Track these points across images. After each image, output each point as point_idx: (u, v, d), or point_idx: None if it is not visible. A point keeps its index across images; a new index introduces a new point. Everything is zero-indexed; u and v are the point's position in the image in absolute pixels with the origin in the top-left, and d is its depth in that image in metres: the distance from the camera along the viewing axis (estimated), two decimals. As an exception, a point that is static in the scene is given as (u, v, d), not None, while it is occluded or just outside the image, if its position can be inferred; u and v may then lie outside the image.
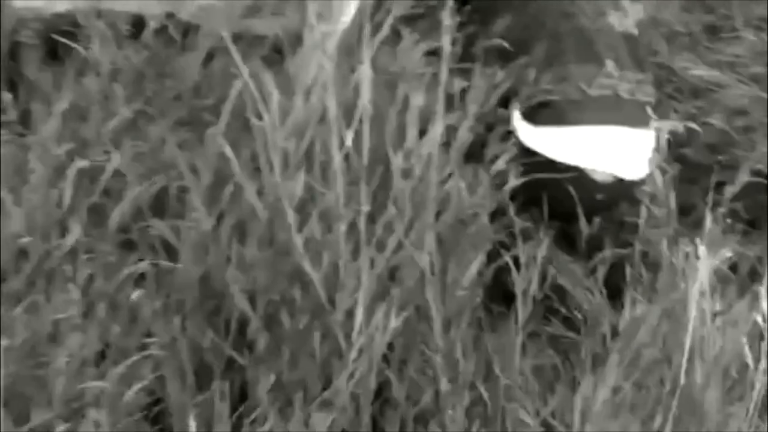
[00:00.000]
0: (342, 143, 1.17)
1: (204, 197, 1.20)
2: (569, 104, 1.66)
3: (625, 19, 1.73)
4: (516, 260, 1.55)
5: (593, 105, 1.67)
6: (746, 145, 2.30)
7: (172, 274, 1.19)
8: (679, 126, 1.74)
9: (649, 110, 1.77)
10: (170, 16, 2.17)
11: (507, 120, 1.67)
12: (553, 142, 1.67)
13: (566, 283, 1.75)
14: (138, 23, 2.10)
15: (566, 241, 1.82)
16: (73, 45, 2.08)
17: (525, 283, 1.32)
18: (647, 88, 1.76)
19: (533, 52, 1.66)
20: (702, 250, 1.32)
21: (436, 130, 1.39)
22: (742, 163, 2.26)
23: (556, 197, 1.68)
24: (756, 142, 2.28)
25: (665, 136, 1.65)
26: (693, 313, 1.32)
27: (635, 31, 1.76)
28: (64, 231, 1.18)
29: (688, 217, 2.09)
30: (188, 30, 2.16)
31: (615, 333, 1.60)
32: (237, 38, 2.22)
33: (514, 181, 1.52)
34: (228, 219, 1.20)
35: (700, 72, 2.30)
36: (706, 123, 2.27)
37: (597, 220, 1.68)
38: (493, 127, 1.65)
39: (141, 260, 1.22)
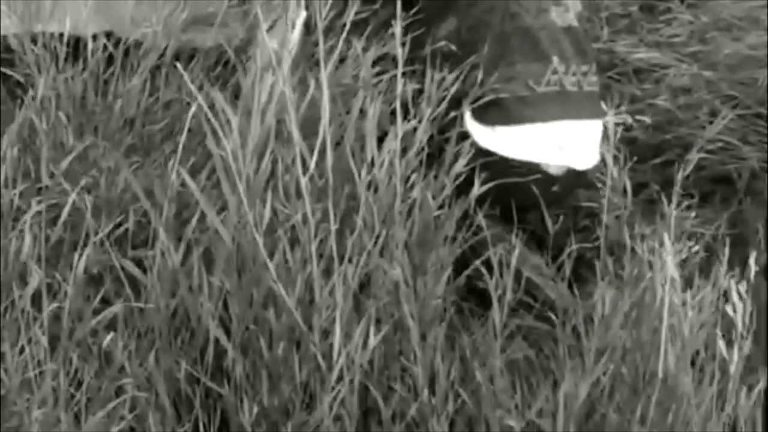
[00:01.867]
0: (305, 164, 1.16)
1: (168, 228, 1.18)
2: (518, 102, 1.70)
3: (566, 14, 1.77)
4: (487, 263, 1.58)
5: (542, 102, 1.72)
6: (692, 123, 2.35)
7: (143, 311, 1.16)
8: (627, 118, 1.78)
9: (595, 100, 1.82)
10: (109, 34, 2.12)
11: (460, 121, 1.68)
12: (506, 141, 1.71)
13: (535, 277, 1.78)
14: (76, 44, 2.05)
15: (528, 233, 1.85)
16: (10, 72, 2.02)
17: (500, 290, 1.32)
18: (592, 78, 1.82)
19: (480, 54, 1.68)
20: (666, 241, 1.34)
21: (395, 139, 1.38)
22: (689, 141, 2.33)
23: (514, 192, 1.73)
24: (701, 119, 2.34)
25: (615, 127, 1.68)
26: (663, 302, 1.34)
27: (576, 24, 1.79)
28: (25, 276, 1.15)
29: (639, 196, 2.16)
30: (128, 48, 2.11)
31: (587, 323, 1.63)
32: (180, 52, 2.20)
33: (476, 185, 1.52)
34: (195, 249, 1.18)
35: (641, 54, 2.34)
36: (651, 104, 2.33)
37: (560, 217, 1.70)
38: (447, 130, 1.66)
39: (107, 301, 1.19)
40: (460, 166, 1.56)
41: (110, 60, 2.06)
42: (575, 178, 1.81)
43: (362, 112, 1.41)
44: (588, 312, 1.69)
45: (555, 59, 1.73)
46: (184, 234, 1.18)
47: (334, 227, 1.18)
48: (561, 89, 1.73)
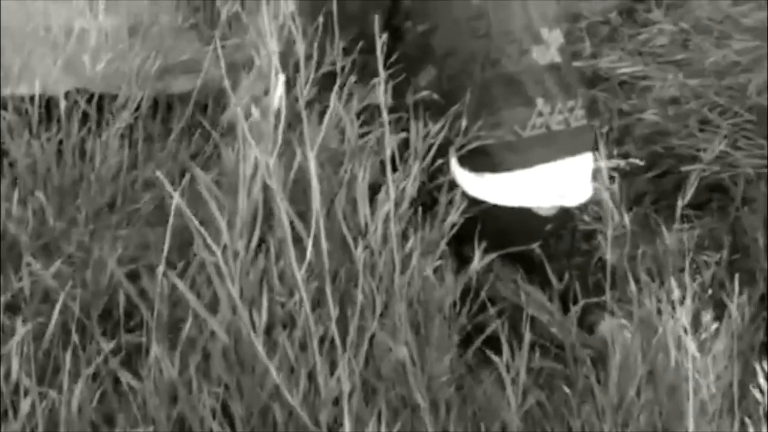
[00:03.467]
0: (304, 258, 1.11)
1: (162, 333, 1.13)
2: (505, 149, 1.67)
3: (548, 51, 1.73)
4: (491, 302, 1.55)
5: (529, 146, 1.69)
6: (681, 133, 2.32)
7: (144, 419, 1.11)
8: (621, 163, 1.74)
9: (583, 133, 1.79)
10: (80, 91, 2.06)
11: (447, 169, 1.65)
12: (495, 188, 1.68)
13: (540, 316, 1.75)
14: (47, 105, 1.98)
15: (525, 271, 1.82)
16: (-20, 144, 1.96)
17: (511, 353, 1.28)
18: (579, 112, 1.78)
19: (464, 102, 1.64)
20: (675, 292, 1.31)
21: (387, 204, 1.33)
22: (680, 152, 2.30)
23: (508, 235, 1.70)
24: (691, 128, 2.31)
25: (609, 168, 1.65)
26: (673, 350, 1.31)
27: (559, 59, 1.75)
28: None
29: (633, 210, 2.12)
30: (102, 102, 2.05)
31: (594, 363, 1.60)
32: (157, 101, 2.14)
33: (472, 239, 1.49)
34: (193, 357, 1.13)
35: (626, 69, 2.31)
36: (640, 119, 2.29)
37: (565, 263, 1.67)
38: (435, 178, 1.62)
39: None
40: (453, 217, 1.51)
41: (85, 117, 2.00)
42: (568, 215, 1.79)
43: (352, 174, 1.36)
44: (596, 348, 1.67)
45: (540, 101, 1.69)
46: (179, 338, 1.13)
47: (334, 314, 1.13)
48: (548, 131, 1.70)
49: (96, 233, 1.46)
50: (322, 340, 1.16)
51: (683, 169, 2.20)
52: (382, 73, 1.32)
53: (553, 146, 1.70)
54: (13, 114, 1.98)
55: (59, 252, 1.46)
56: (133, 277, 1.35)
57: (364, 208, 1.33)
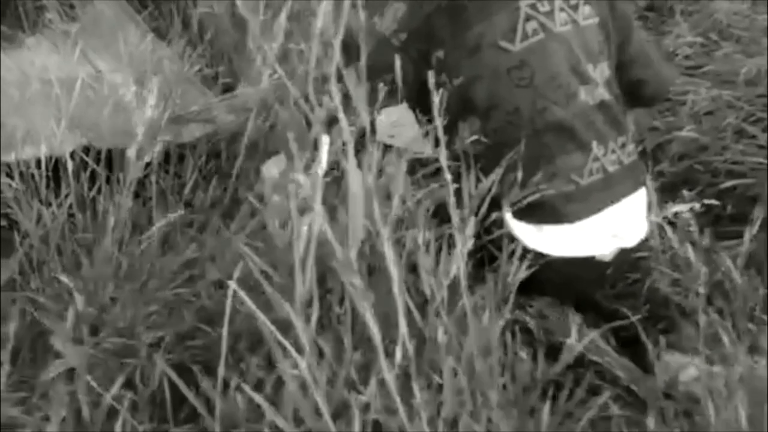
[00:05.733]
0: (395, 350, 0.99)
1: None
2: (564, 200, 1.56)
3: (596, 89, 1.60)
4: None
5: (588, 194, 1.58)
6: (716, 146, 2.23)
7: None
8: (684, 208, 1.62)
9: (635, 169, 1.68)
10: (87, 149, 1.93)
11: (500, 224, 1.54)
12: (556, 240, 1.57)
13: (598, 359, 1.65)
14: (54, 167, 1.86)
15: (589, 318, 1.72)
16: (-11, 218, 1.83)
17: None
18: (630, 147, 1.67)
19: (515, 153, 1.53)
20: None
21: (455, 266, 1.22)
22: (716, 167, 2.21)
23: (570, 285, 1.62)
24: (727, 142, 2.22)
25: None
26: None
27: (608, 96, 1.62)
28: None
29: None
30: (111, 159, 1.92)
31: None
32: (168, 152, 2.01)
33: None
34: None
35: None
36: (677, 137, 2.20)
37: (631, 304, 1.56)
38: (489, 232, 1.51)
39: None
40: (521, 274, 1.41)
41: (92, 176, 1.88)
42: (626, 254, 1.67)
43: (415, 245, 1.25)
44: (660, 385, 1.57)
45: (594, 144, 1.58)
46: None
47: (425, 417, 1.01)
48: (605, 175, 1.59)
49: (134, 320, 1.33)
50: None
51: (723, 186, 2.12)
52: (440, 128, 1.21)
53: (611, 189, 1.60)
54: (20, 183, 1.85)
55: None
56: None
57: (428, 279, 1.22)
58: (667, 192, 2.10)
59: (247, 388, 1.00)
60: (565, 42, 1.57)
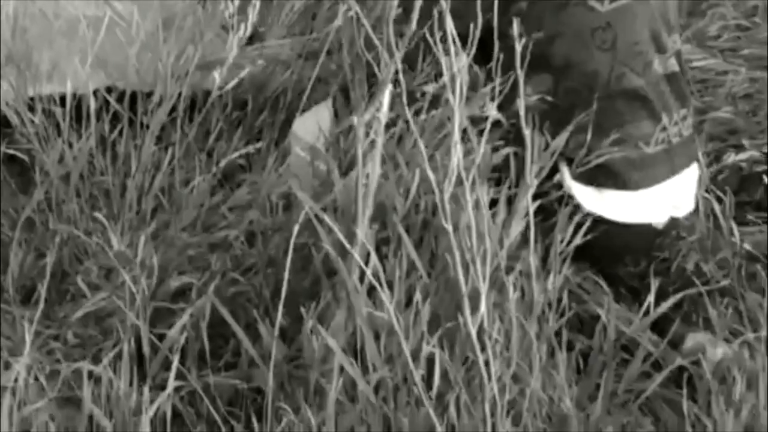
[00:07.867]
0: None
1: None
2: (629, 166, 1.55)
3: (669, 60, 1.60)
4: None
5: (653, 163, 1.58)
6: (752, 129, 2.20)
7: None
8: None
9: (692, 143, 1.69)
10: (110, 90, 1.86)
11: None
12: (616, 205, 1.56)
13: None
14: (77, 105, 1.79)
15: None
16: (11, 151, 1.76)
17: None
18: (689, 120, 1.67)
19: (585, 115, 1.51)
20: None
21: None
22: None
23: (619, 252, 1.61)
24: (763, 126, 2.18)
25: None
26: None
27: (677, 68, 1.62)
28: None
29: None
30: (134, 101, 1.86)
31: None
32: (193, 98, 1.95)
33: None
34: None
35: (700, 63, 2.17)
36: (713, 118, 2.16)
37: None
38: (546, 193, 1.47)
39: None
40: (578, 239, 1.38)
41: (115, 117, 1.81)
42: (674, 224, 1.68)
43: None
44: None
45: (663, 116, 1.58)
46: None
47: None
48: (668, 146, 1.59)
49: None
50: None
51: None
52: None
53: (672, 161, 1.60)
54: (42, 118, 1.78)
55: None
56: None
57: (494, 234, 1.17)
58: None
59: (322, 330, 0.95)
60: (648, 7, 1.57)
